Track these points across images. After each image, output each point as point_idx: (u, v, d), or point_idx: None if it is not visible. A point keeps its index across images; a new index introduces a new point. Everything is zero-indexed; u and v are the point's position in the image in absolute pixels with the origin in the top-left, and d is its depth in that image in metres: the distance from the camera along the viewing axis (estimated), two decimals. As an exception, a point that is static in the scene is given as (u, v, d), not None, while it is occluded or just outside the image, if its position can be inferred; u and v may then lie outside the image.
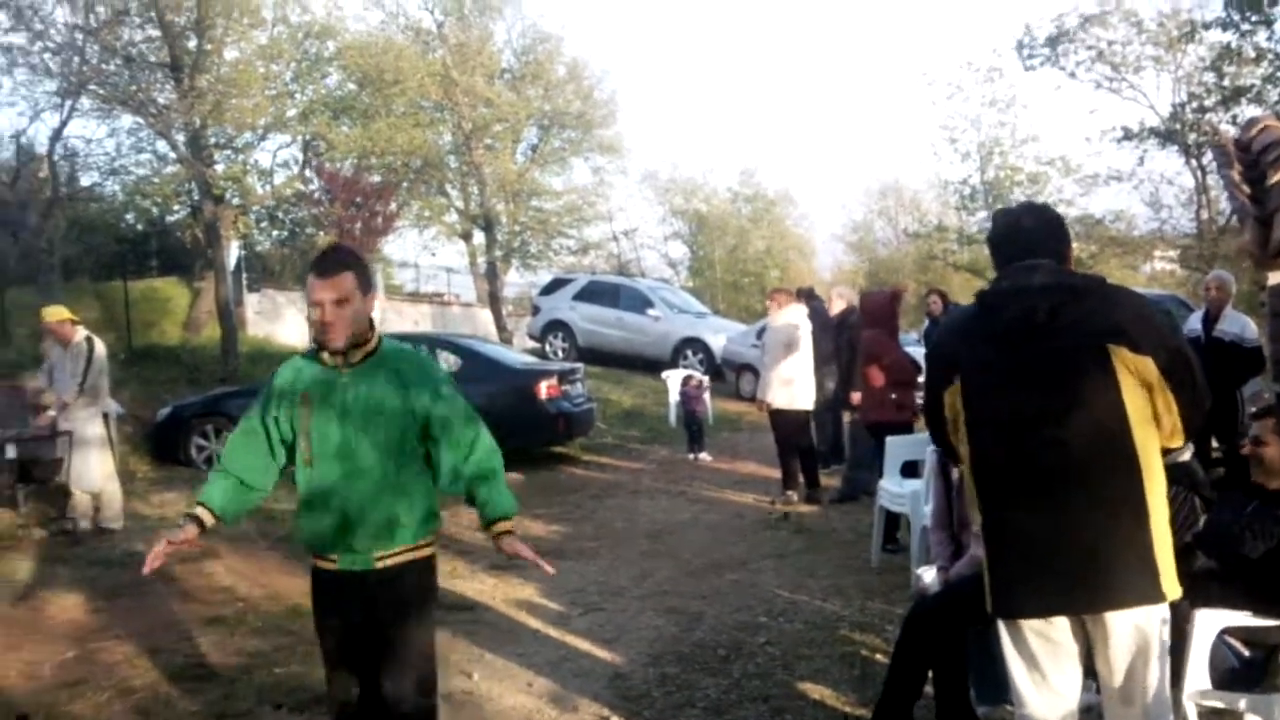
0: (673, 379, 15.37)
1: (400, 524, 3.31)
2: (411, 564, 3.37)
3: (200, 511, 3.36)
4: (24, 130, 17.60)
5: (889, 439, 7.85)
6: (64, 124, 16.17)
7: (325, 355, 3.32)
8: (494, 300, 25.47)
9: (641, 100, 61.15)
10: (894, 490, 7.40)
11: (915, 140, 77.47)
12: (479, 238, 27.24)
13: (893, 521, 7.71)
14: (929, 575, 4.79)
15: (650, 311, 20.35)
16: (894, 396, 8.79)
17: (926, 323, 13.75)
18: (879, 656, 5.36)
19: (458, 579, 7.20)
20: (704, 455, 12.72)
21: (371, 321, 3.36)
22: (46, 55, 15.90)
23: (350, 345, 3.28)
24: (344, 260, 3.30)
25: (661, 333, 20.07)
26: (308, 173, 21.93)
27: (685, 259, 40.29)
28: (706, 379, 14.79)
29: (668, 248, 40.73)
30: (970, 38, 70.01)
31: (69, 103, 15.90)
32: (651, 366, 18.97)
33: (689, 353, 19.47)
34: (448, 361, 12.91)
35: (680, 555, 8.04)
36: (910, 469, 7.48)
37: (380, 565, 3.32)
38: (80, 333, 9.15)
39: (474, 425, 3.41)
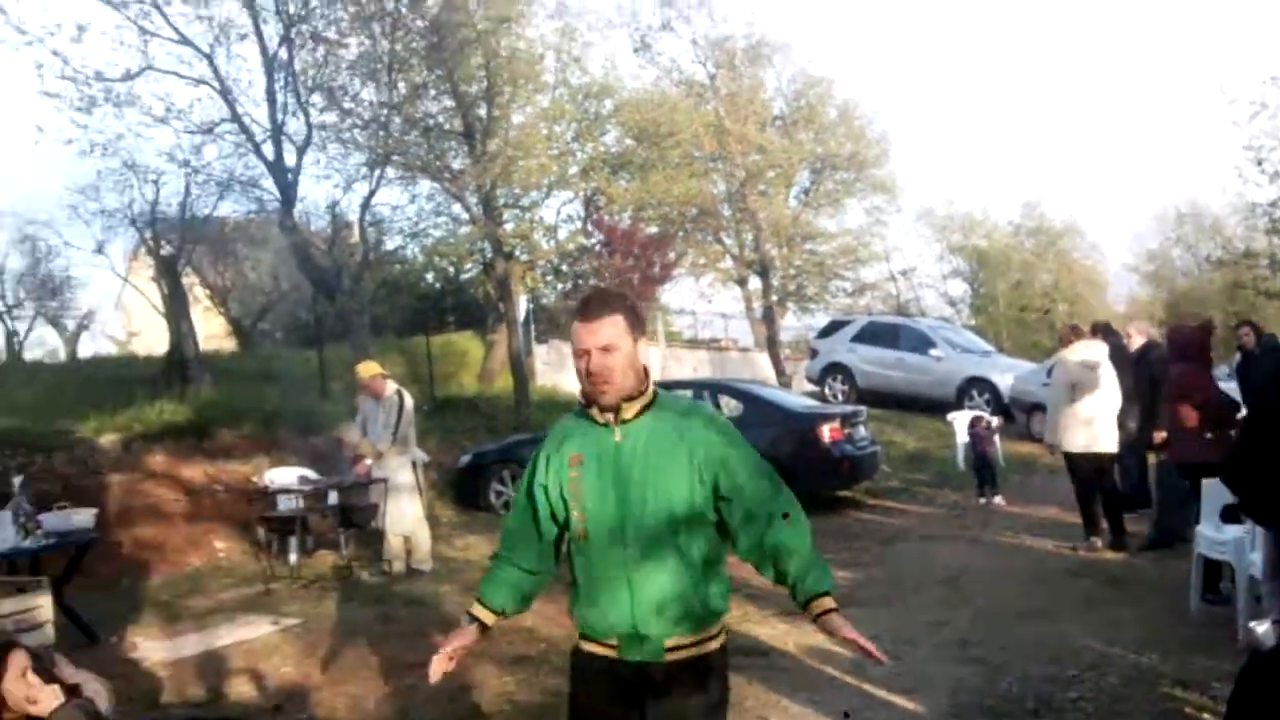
0: (959, 420, 14.90)
1: (693, 605, 2.84)
2: (707, 656, 2.88)
3: (480, 612, 3.05)
4: (338, 201, 19.16)
5: (1206, 481, 7.29)
6: (372, 193, 17.49)
7: (596, 412, 2.90)
8: (771, 344, 25.55)
9: (915, 137, 60.19)
10: (1213, 537, 6.87)
11: (1213, 162, 72.40)
12: (754, 283, 27.44)
13: (1213, 570, 7.15)
14: (1263, 629, 4.42)
15: (932, 352, 19.86)
16: (1209, 436, 8.16)
17: (1238, 357, 12.77)
18: (1206, 716, 4.98)
19: (749, 623, 7.20)
20: (997, 499, 12.23)
21: (646, 371, 2.92)
22: (355, 131, 17.29)
23: (623, 399, 2.85)
24: (611, 302, 2.90)
25: (945, 373, 19.52)
26: (588, 227, 22.79)
27: (966, 297, 39.22)
28: (996, 420, 14.25)
29: (947, 286, 39.82)
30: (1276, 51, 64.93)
31: (376, 173, 17.19)
32: (935, 408, 18.47)
33: (974, 393, 18.83)
34: (728, 406, 13.05)
35: (978, 603, 7.74)
36: (1231, 513, 6.93)
37: (672, 657, 2.83)
38: (391, 386, 9.84)
39: (775, 486, 2.91)
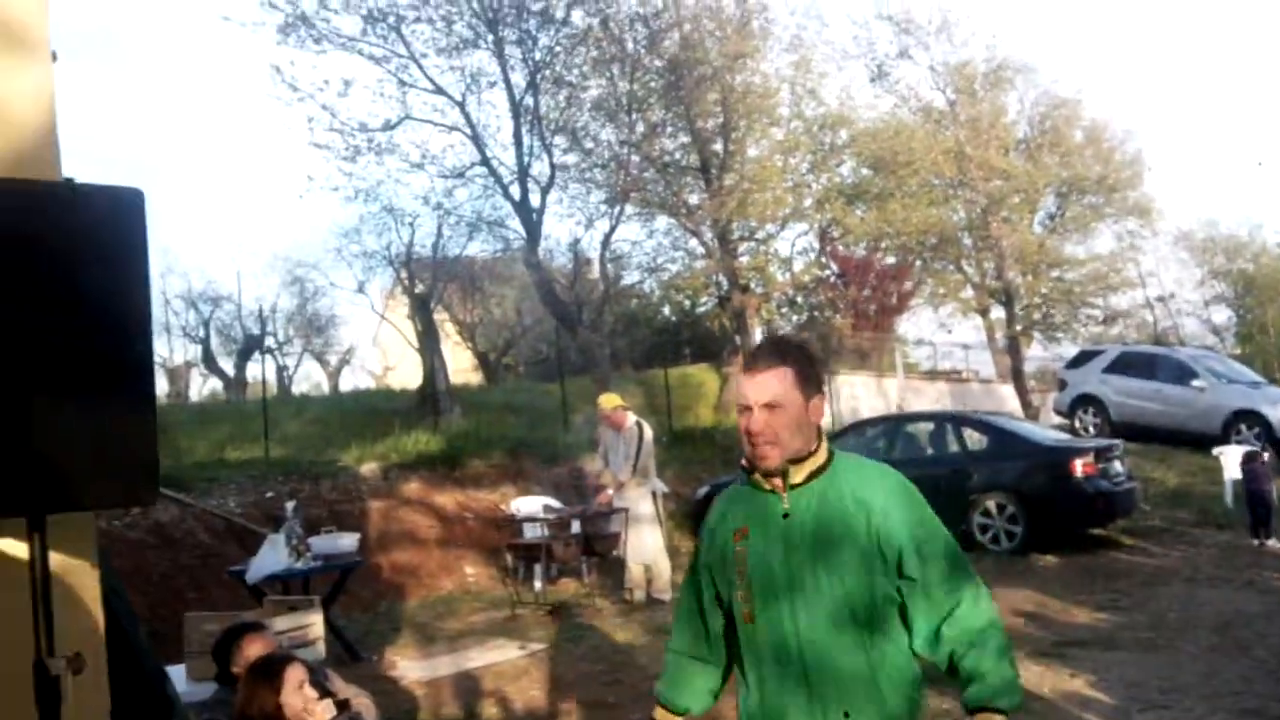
0: (1229, 455, 13.90)
1: (883, 700, 2.48)
2: None
3: (661, 717, 2.78)
4: (579, 238, 19.82)
5: None
6: (612, 230, 18.01)
7: (760, 477, 2.58)
8: (1016, 375, 24.69)
9: (1172, 156, 56.90)
10: None
11: None
12: (997, 312, 26.59)
13: None
14: None
15: (1194, 383, 18.65)
16: None
17: None
18: None
19: (1000, 665, 6.92)
20: (1272, 541, 11.34)
21: (820, 431, 2.59)
22: (596, 170, 17.86)
23: (789, 462, 2.51)
24: (780, 353, 2.57)
25: (1208, 405, 18.27)
26: (823, 258, 22.66)
27: (1231, 324, 36.72)
28: (1267, 455, 13.22)
29: (1210, 313, 37.37)
30: None
31: (616, 210, 17.67)
32: (1197, 442, 17.33)
33: (1242, 427, 17.56)
34: (971, 439, 12.65)
35: (1254, 651, 7.18)
36: None
37: None
38: (631, 418, 10.04)
39: (964, 571, 2.54)
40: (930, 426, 13.47)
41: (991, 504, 11.62)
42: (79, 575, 2.64)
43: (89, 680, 2.44)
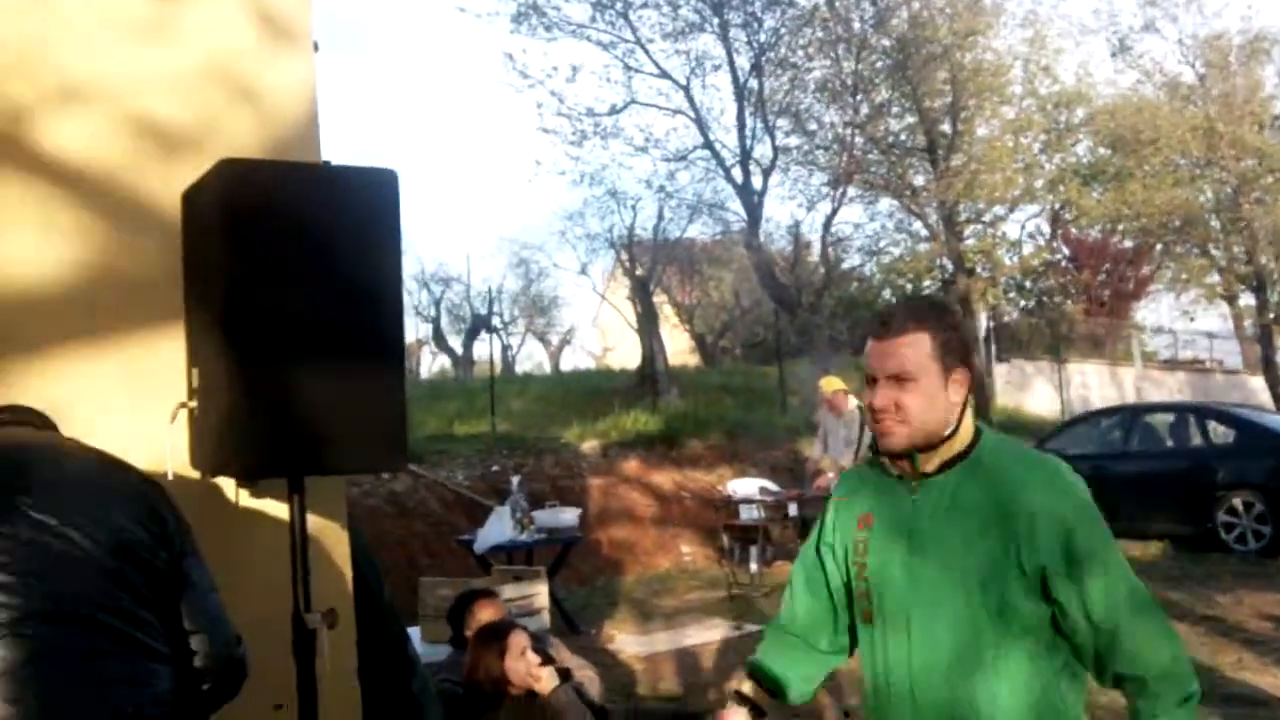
0: None
1: None
2: None
3: (750, 690, 2.37)
4: (800, 221, 19.74)
5: None
6: (834, 212, 17.81)
7: (888, 461, 2.21)
8: (1267, 366, 23.04)
9: None
10: None
11: None
12: (1246, 299, 24.88)
13: None
14: None
15: None
16: None
17: None
18: None
19: (1245, 670, 6.51)
20: None
21: (964, 411, 2.15)
22: (818, 152, 17.69)
23: (916, 446, 2.12)
24: (916, 316, 2.15)
25: None
26: (1055, 241, 21.75)
27: None
28: None
29: None
30: None
31: (838, 192, 17.46)
32: None
33: None
34: (1216, 433, 11.93)
35: None
36: None
37: None
38: (852, 402, 9.90)
39: (1130, 597, 2.08)
40: (1171, 418, 12.75)
41: (1238, 501, 10.90)
42: (332, 536, 2.80)
43: (341, 635, 2.59)
